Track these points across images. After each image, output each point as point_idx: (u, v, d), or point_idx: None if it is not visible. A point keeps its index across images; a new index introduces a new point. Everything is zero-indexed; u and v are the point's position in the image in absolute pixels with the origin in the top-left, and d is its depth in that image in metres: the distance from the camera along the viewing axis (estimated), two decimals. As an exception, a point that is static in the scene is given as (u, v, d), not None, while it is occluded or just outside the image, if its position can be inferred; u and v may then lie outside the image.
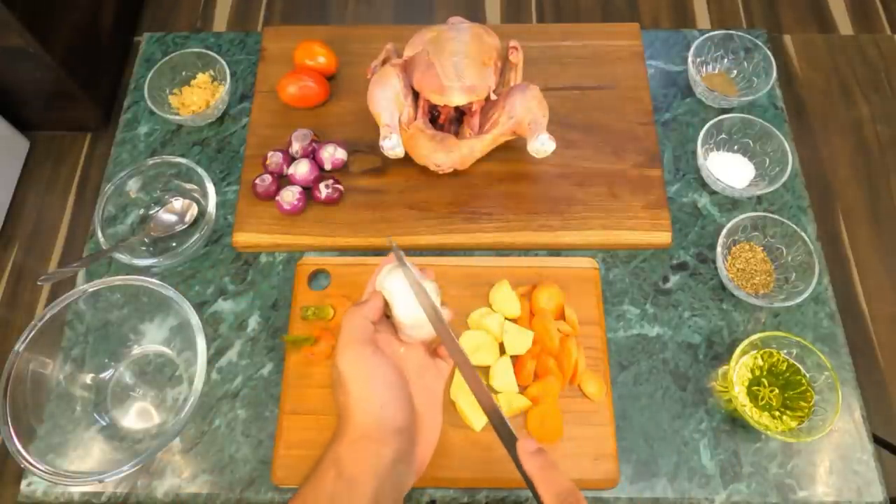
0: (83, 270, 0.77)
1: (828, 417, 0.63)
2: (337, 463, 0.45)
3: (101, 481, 0.60)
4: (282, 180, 0.79)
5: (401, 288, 0.51)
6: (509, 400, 0.66)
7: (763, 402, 0.66)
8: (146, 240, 0.77)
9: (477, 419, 0.65)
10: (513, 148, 0.80)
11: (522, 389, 0.67)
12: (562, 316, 0.71)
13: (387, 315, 0.54)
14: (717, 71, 0.88)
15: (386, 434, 0.46)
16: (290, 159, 0.80)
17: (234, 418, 0.69)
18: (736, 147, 0.82)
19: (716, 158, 0.81)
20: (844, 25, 1.90)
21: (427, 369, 0.53)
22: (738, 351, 0.66)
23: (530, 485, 0.43)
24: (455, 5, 1.95)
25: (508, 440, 0.46)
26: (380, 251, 0.77)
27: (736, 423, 0.68)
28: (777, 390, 0.67)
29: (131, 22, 1.90)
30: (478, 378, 0.49)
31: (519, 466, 0.44)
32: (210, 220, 0.74)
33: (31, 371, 0.66)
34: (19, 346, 0.64)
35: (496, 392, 0.67)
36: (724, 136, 0.81)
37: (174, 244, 0.78)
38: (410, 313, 0.51)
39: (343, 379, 0.48)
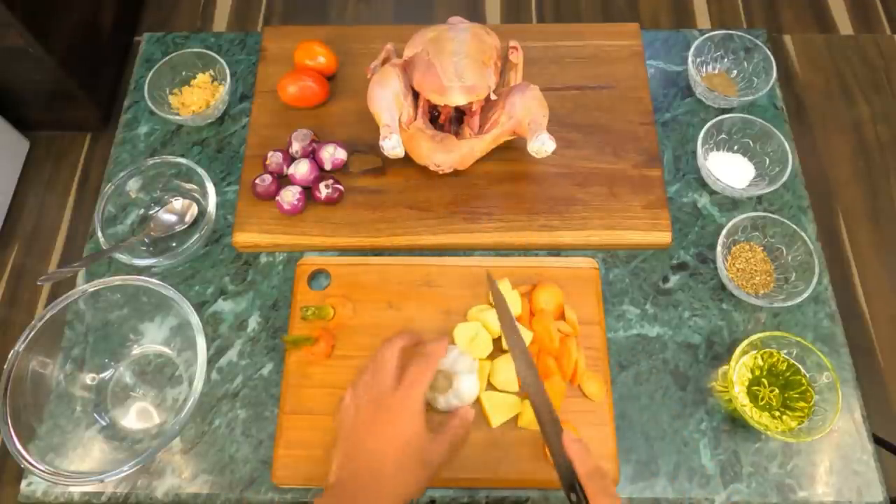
0: (83, 270, 0.77)
1: (828, 417, 0.63)
2: None
3: (101, 481, 0.60)
4: (282, 180, 0.79)
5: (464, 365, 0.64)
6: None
7: (763, 402, 0.66)
8: (146, 240, 0.77)
9: (496, 417, 0.66)
10: (513, 148, 0.80)
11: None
12: (562, 316, 0.71)
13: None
14: (717, 71, 0.88)
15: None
16: (290, 159, 0.80)
17: (234, 418, 0.69)
18: (736, 147, 0.82)
19: (716, 158, 0.81)
20: (844, 25, 1.90)
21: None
22: (738, 351, 0.66)
23: (564, 469, 0.51)
24: (455, 5, 1.95)
25: (553, 429, 0.53)
26: (380, 251, 0.77)
27: (736, 423, 0.68)
28: (777, 390, 0.67)
29: (131, 22, 1.90)
30: (539, 382, 0.56)
31: (554, 452, 0.52)
32: (210, 220, 0.74)
33: (31, 371, 0.66)
34: (19, 346, 0.64)
35: (499, 390, 0.67)
36: (724, 136, 0.81)
37: (174, 244, 0.78)
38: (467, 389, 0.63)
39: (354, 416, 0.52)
